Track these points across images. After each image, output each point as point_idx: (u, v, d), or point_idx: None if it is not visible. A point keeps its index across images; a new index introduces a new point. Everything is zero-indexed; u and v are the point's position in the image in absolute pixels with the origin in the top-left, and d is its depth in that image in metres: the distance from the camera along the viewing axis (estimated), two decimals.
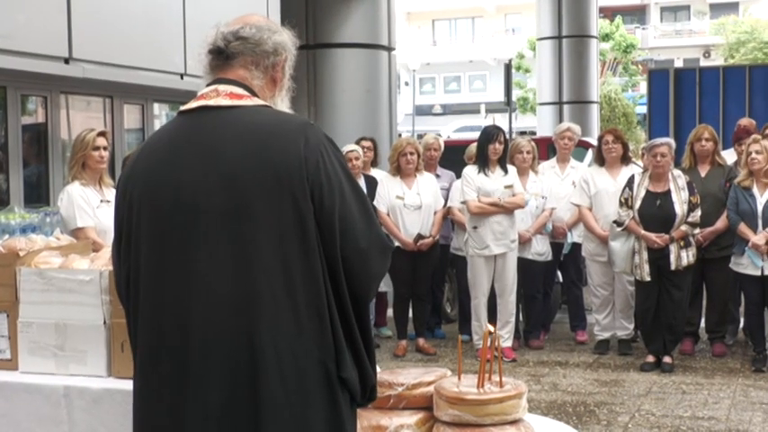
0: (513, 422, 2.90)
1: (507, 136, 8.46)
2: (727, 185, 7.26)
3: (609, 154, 7.74)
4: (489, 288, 7.48)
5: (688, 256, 6.99)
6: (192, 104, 2.38)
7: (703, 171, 7.49)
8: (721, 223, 7.26)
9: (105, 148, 5.47)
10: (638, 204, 7.07)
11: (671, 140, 7.26)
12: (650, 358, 7.16)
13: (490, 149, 7.36)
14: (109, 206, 5.10)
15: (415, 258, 7.65)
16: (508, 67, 22.34)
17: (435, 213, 7.74)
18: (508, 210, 7.38)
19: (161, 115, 13.67)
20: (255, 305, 2.20)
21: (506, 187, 7.37)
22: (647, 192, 7.07)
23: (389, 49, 10.27)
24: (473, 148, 7.84)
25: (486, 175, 7.38)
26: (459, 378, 3.03)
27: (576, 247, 8.12)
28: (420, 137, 10.02)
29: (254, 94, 2.38)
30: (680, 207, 6.96)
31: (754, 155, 6.90)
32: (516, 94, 32.25)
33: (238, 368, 2.19)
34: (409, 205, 7.66)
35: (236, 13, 2.55)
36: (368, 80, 9.97)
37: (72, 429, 3.06)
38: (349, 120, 9.72)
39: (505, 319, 7.50)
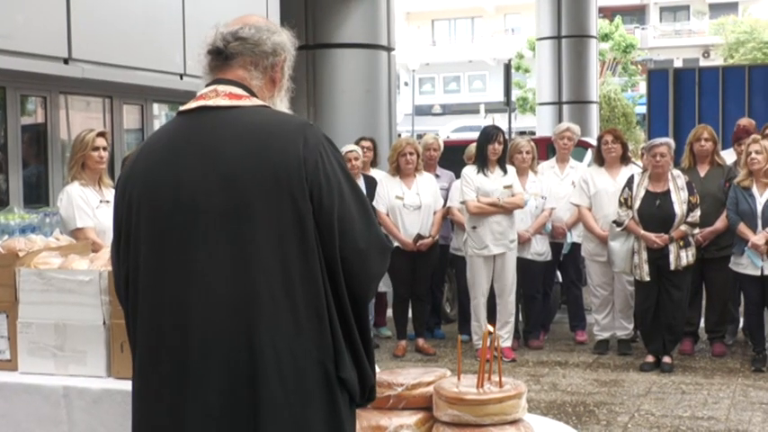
0: (513, 422, 2.90)
1: (507, 136, 8.46)
2: (727, 185, 7.26)
3: (608, 154, 7.74)
4: (488, 288, 7.48)
5: (687, 256, 6.99)
6: (192, 105, 2.38)
7: (703, 171, 7.49)
8: (721, 223, 7.26)
9: (105, 149, 5.47)
10: (637, 204, 7.07)
11: (670, 140, 7.26)
12: (650, 358, 7.16)
13: (489, 150, 7.36)
14: (108, 206, 5.10)
15: (414, 258, 7.65)
16: (507, 67, 22.36)
17: (435, 213, 7.74)
18: (507, 210, 7.38)
19: (160, 115, 13.67)
20: (254, 305, 2.20)
21: (505, 187, 7.37)
22: (647, 192, 7.07)
23: (389, 49, 10.27)
24: (473, 148, 7.84)
25: (485, 175, 7.38)
26: (459, 378, 3.03)
27: (576, 247, 8.13)
28: (419, 137, 10.02)
29: (253, 94, 2.38)
30: (679, 207, 6.96)
31: (753, 155, 6.90)
32: (516, 94, 32.26)
33: (238, 368, 2.19)
34: (409, 205, 7.66)
35: (235, 14, 2.55)
36: (367, 80, 9.97)
37: (71, 430, 3.06)
38: (348, 120, 9.73)
39: (505, 320, 7.50)
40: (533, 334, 8.05)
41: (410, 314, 8.02)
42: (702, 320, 7.74)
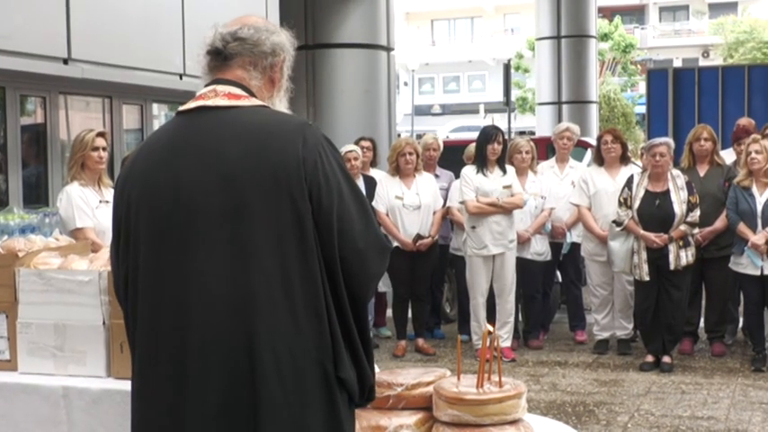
0: (513, 422, 2.90)
1: (506, 136, 8.46)
2: (726, 185, 7.26)
3: (608, 154, 7.74)
4: (488, 288, 7.48)
5: (687, 256, 6.99)
6: (191, 105, 2.38)
7: (702, 171, 7.49)
8: (720, 223, 7.26)
9: (104, 149, 5.47)
10: (637, 204, 7.07)
11: (670, 140, 7.26)
12: (649, 358, 7.16)
13: (489, 150, 7.36)
14: (108, 206, 5.10)
15: (414, 258, 7.65)
16: (507, 67, 22.39)
17: (434, 213, 7.74)
18: (506, 210, 7.38)
19: (160, 116, 13.66)
20: (254, 305, 2.20)
21: (505, 187, 7.37)
22: (646, 191, 7.07)
23: (388, 49, 10.27)
24: (472, 148, 7.85)
25: (484, 175, 7.38)
26: (459, 378, 3.03)
27: (576, 246, 8.13)
28: (419, 137, 10.03)
29: (252, 94, 2.39)
30: (679, 207, 6.96)
31: (753, 155, 6.90)
32: (515, 93, 32.26)
33: (237, 368, 2.19)
34: (408, 205, 7.66)
35: (234, 14, 2.55)
36: (367, 80, 9.97)
37: (71, 430, 3.05)
38: (348, 120, 9.73)
39: (504, 319, 7.50)
40: (533, 334, 8.05)
41: (410, 314, 8.02)
42: (702, 320, 7.75)
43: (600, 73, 28.08)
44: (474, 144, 7.72)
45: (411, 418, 2.97)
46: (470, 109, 45.85)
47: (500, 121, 29.02)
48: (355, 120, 9.72)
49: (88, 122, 11.66)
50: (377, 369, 2.54)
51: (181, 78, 12.81)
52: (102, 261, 3.30)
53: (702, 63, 42.72)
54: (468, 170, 7.47)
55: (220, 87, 2.36)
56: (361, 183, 7.69)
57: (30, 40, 10.39)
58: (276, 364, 2.19)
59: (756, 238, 6.81)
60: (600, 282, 7.73)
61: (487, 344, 2.98)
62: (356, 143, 8.19)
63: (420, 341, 7.93)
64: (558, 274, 8.47)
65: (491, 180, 7.37)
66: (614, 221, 7.24)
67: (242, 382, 2.19)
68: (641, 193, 7.08)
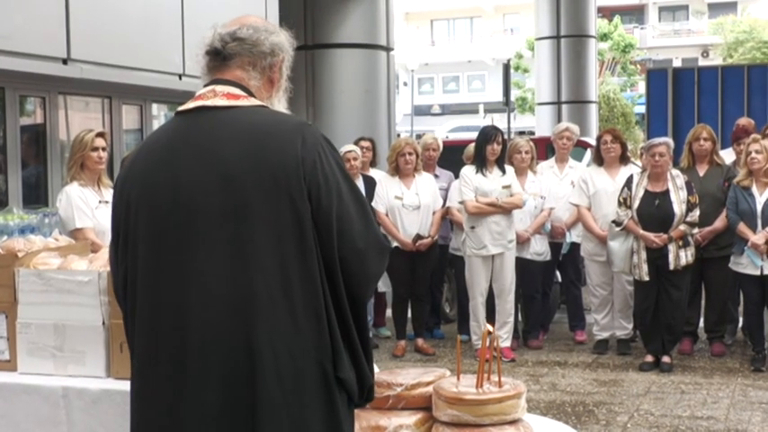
0: (512, 422, 2.90)
1: (505, 136, 8.46)
2: (726, 185, 7.27)
3: (607, 154, 7.74)
4: (487, 288, 7.48)
5: (687, 256, 6.99)
6: (190, 105, 2.38)
7: (702, 171, 7.49)
8: (720, 223, 7.26)
9: (104, 149, 5.46)
10: (636, 204, 7.07)
11: (669, 140, 7.26)
12: (649, 358, 7.16)
13: (488, 150, 7.37)
14: (107, 207, 5.10)
15: (413, 258, 7.65)
16: (507, 67, 22.38)
17: (434, 213, 7.74)
18: (506, 210, 7.38)
19: (159, 116, 13.65)
20: (253, 306, 2.20)
21: (504, 187, 7.37)
22: (646, 191, 7.07)
23: (388, 49, 10.28)
24: (471, 148, 7.85)
25: (483, 175, 7.38)
26: (458, 378, 3.03)
27: (575, 246, 8.13)
28: (419, 137, 10.03)
29: (251, 94, 2.39)
30: (678, 207, 6.96)
31: (753, 154, 6.91)
32: (515, 93, 32.26)
33: (236, 368, 2.19)
34: (408, 205, 7.66)
35: (234, 14, 2.55)
36: (366, 80, 9.98)
37: (71, 430, 3.05)
38: (347, 120, 9.73)
39: (504, 319, 7.50)
40: (533, 334, 8.05)
41: (409, 314, 8.02)
42: (702, 320, 7.75)
43: (599, 73, 28.09)
44: (473, 144, 7.72)
45: (411, 419, 2.97)
46: (470, 109, 45.83)
47: (500, 121, 29.00)
48: (355, 120, 9.73)
49: (88, 123, 11.65)
50: (376, 369, 2.54)
51: (180, 78, 12.79)
52: (101, 261, 3.30)
53: (702, 63, 42.72)
54: (468, 170, 7.47)
55: (219, 87, 2.36)
56: (360, 183, 7.69)
57: (29, 40, 10.38)
58: (275, 363, 2.19)
59: (756, 237, 6.81)
60: (599, 282, 7.73)
61: (487, 344, 2.98)
62: (355, 143, 8.19)
63: (419, 341, 7.93)
64: (558, 274, 8.48)
65: (490, 180, 7.37)
66: (614, 221, 7.24)
67: (241, 382, 2.19)
68: (641, 192, 7.08)
